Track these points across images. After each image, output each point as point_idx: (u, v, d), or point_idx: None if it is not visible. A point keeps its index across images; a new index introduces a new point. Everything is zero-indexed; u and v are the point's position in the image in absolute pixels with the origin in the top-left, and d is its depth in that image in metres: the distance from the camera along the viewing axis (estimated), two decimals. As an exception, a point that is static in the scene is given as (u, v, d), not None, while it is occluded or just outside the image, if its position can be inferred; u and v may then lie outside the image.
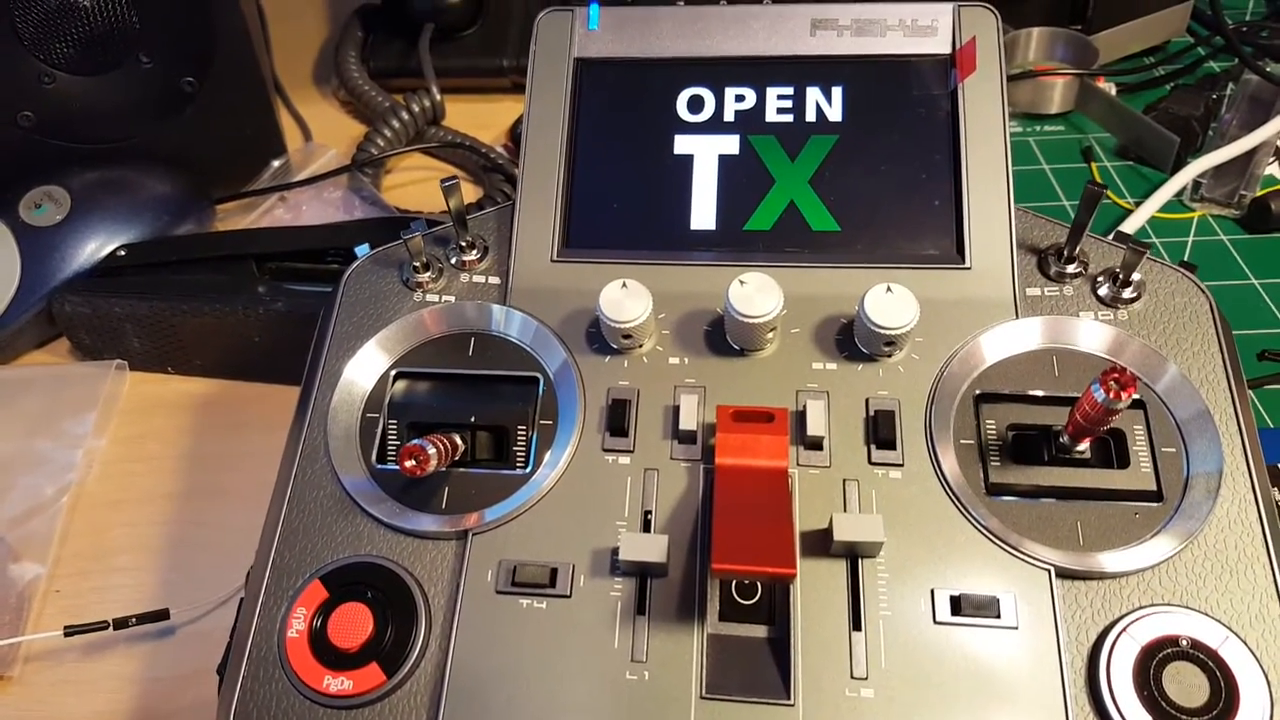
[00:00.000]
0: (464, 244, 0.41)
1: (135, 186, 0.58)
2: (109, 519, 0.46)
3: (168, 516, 0.46)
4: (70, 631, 0.39)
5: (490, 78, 0.70)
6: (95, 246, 0.55)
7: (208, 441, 0.49)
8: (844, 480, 0.33)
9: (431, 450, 0.32)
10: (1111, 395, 0.30)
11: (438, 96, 0.67)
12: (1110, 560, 0.31)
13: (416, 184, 0.66)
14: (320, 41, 0.78)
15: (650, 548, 0.31)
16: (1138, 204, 0.56)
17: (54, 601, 0.43)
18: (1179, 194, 0.56)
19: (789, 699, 0.29)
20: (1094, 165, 0.60)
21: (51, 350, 0.55)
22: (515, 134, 0.66)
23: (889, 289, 0.34)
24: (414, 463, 0.32)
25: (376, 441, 0.36)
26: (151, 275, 0.53)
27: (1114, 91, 0.62)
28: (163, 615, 0.40)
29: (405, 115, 0.65)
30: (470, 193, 0.63)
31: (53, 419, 0.50)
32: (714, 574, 0.28)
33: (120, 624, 0.39)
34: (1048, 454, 0.34)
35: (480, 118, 0.68)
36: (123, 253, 0.54)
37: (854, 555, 0.31)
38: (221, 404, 0.51)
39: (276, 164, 0.66)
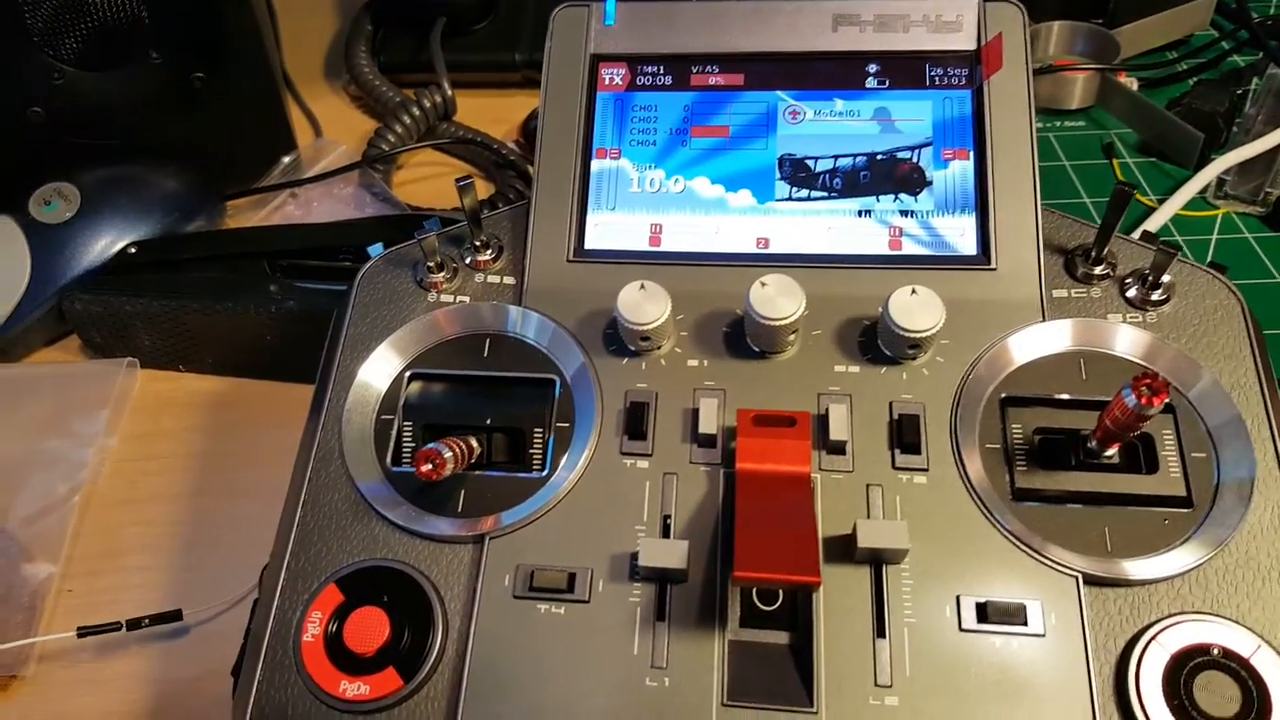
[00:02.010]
0: (478, 244, 0.40)
1: (145, 183, 0.58)
2: (121, 518, 0.46)
3: (179, 515, 0.46)
4: (84, 632, 0.39)
5: (502, 72, 0.70)
6: (105, 244, 0.55)
7: (219, 440, 0.49)
8: (867, 485, 0.32)
9: (448, 454, 0.32)
10: (1143, 401, 0.29)
11: (449, 92, 0.66)
12: (1138, 567, 0.30)
13: (428, 180, 0.66)
14: (330, 36, 0.78)
15: (670, 553, 0.30)
16: (1160, 201, 0.55)
17: (66, 601, 0.43)
18: (1202, 191, 0.55)
19: (812, 707, 0.29)
20: (1115, 162, 0.59)
21: (62, 348, 0.54)
22: (527, 129, 0.66)
23: (914, 291, 0.34)
24: (430, 467, 0.31)
25: (391, 444, 0.36)
26: (162, 273, 0.53)
27: (1136, 86, 0.61)
28: (175, 616, 0.40)
29: (416, 111, 0.64)
30: (482, 189, 0.63)
31: (64, 417, 0.49)
32: (735, 582, 0.28)
33: (133, 624, 0.39)
34: (1075, 459, 0.33)
35: (492, 113, 0.68)
36: (133, 250, 0.54)
37: (878, 561, 0.31)
38: (233, 402, 0.51)
39: (287, 160, 0.65)
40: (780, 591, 0.31)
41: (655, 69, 0.42)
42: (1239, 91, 0.59)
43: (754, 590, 0.31)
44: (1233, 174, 0.55)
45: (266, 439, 0.48)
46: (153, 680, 0.40)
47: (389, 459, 0.35)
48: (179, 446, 0.49)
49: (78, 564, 0.44)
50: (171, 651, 0.40)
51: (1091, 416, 0.33)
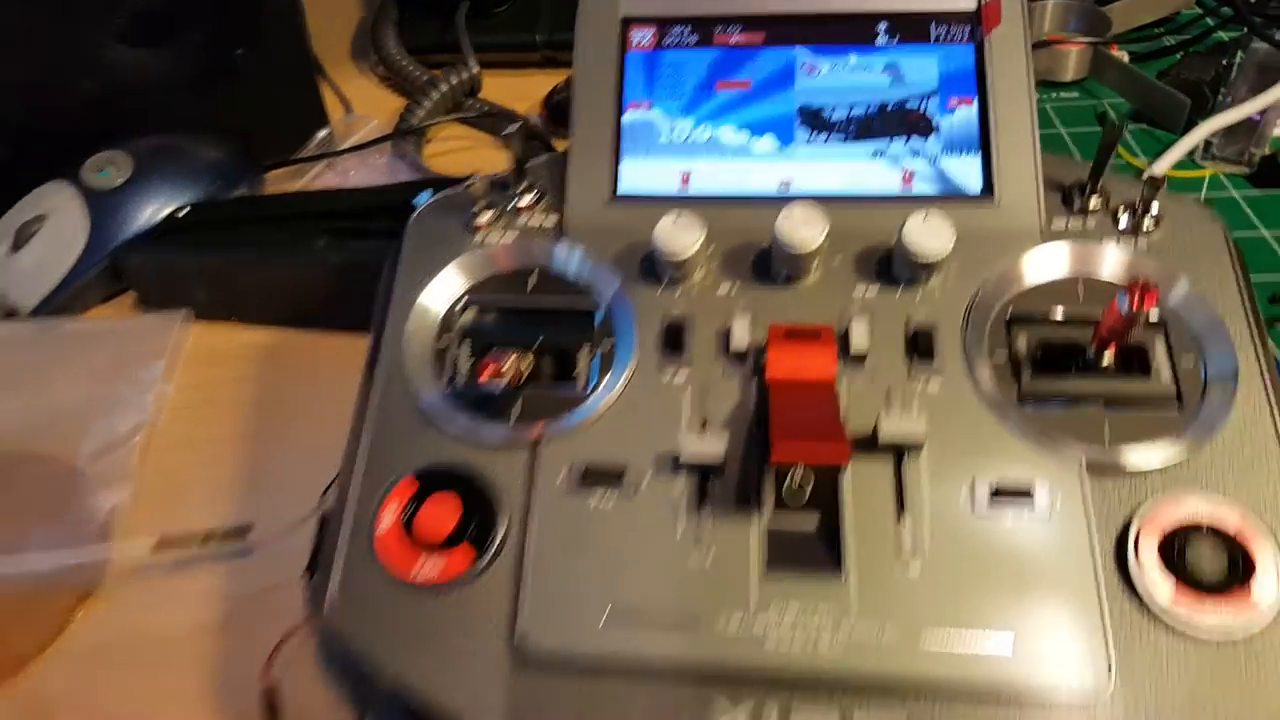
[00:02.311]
0: (521, 189, 0.43)
1: (191, 153, 0.61)
2: (181, 459, 0.49)
3: (238, 458, 0.49)
4: (158, 545, 0.42)
5: (523, 52, 0.73)
6: (156, 207, 0.58)
7: (272, 387, 0.52)
8: (888, 390, 0.36)
9: (508, 362, 0.35)
10: (1134, 307, 0.32)
11: (475, 70, 0.70)
12: (1135, 457, 0.34)
13: (454, 153, 0.69)
14: (354, 20, 0.81)
15: (710, 446, 0.33)
16: (1151, 163, 0.58)
17: (132, 535, 0.46)
18: (1191, 154, 0.59)
19: (840, 573, 0.32)
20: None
21: (117, 304, 0.57)
22: (550, 104, 0.69)
23: (925, 217, 0.37)
24: (491, 373, 0.34)
25: (449, 364, 0.39)
26: (213, 232, 0.56)
27: (1127, 59, 0.65)
28: (245, 530, 0.43)
29: (444, 87, 0.68)
30: (507, 161, 0.66)
31: (124, 366, 0.52)
32: (772, 465, 0.31)
33: (206, 539, 0.42)
34: (1075, 366, 0.36)
35: (514, 90, 0.71)
36: (183, 213, 0.57)
37: (899, 451, 0.34)
38: (284, 352, 0.54)
39: (321, 134, 0.69)
40: (809, 486, 0.34)
41: (682, 29, 0.46)
42: (1225, 63, 0.63)
43: (786, 482, 0.34)
44: (1219, 138, 0.59)
45: (318, 386, 0.51)
46: (223, 596, 0.42)
47: (446, 378, 0.39)
48: (234, 394, 0.52)
49: (142, 500, 0.47)
50: (240, 570, 0.43)
51: (1089, 332, 0.36)
